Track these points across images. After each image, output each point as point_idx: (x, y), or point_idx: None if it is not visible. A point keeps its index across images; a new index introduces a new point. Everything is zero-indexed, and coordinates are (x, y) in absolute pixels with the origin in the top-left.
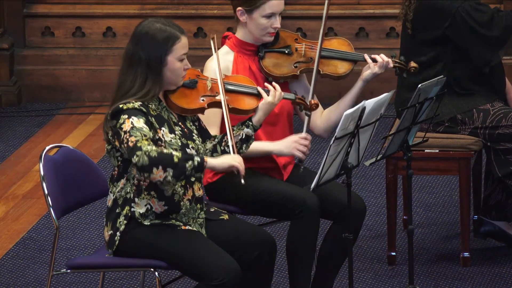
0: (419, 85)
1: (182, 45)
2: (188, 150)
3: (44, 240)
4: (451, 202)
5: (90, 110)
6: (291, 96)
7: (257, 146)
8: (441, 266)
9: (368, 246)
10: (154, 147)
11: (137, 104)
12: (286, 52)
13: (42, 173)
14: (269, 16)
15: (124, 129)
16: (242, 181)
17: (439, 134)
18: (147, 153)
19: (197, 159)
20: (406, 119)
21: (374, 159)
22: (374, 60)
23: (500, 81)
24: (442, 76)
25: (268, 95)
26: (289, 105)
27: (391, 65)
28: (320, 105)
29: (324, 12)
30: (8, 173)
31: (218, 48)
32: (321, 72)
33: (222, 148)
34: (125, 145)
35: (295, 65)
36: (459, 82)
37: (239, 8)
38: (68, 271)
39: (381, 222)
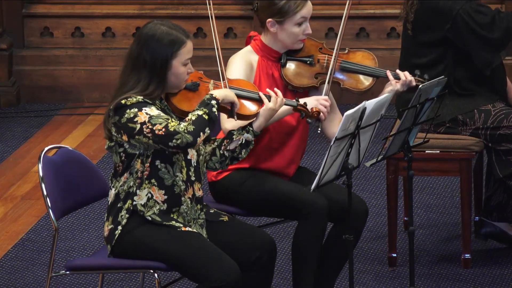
0: (420, 86)
1: (187, 49)
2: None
3: (43, 241)
4: (452, 203)
5: (89, 111)
6: (292, 102)
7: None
8: (442, 268)
9: (368, 248)
10: (183, 122)
11: (140, 98)
12: (308, 62)
13: (41, 174)
14: (301, 23)
15: (140, 121)
16: (235, 117)
17: (440, 135)
18: (185, 131)
19: (213, 102)
20: (407, 119)
21: (374, 160)
22: (397, 77)
23: (501, 82)
24: (443, 76)
25: (269, 101)
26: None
27: (414, 83)
28: (338, 112)
29: (340, 30)
30: (7, 174)
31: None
32: (341, 86)
33: (221, 152)
34: (150, 135)
35: (315, 76)
36: (460, 83)
37: (270, 20)
38: (67, 272)
39: (381, 223)
